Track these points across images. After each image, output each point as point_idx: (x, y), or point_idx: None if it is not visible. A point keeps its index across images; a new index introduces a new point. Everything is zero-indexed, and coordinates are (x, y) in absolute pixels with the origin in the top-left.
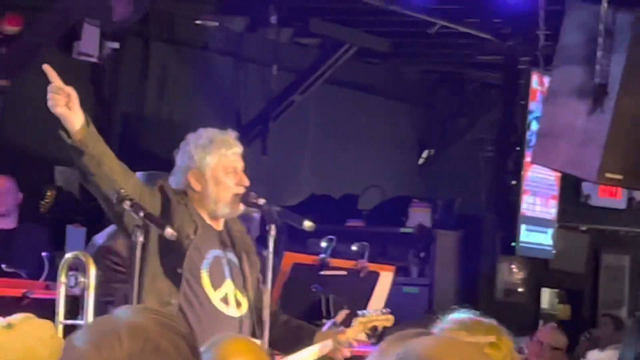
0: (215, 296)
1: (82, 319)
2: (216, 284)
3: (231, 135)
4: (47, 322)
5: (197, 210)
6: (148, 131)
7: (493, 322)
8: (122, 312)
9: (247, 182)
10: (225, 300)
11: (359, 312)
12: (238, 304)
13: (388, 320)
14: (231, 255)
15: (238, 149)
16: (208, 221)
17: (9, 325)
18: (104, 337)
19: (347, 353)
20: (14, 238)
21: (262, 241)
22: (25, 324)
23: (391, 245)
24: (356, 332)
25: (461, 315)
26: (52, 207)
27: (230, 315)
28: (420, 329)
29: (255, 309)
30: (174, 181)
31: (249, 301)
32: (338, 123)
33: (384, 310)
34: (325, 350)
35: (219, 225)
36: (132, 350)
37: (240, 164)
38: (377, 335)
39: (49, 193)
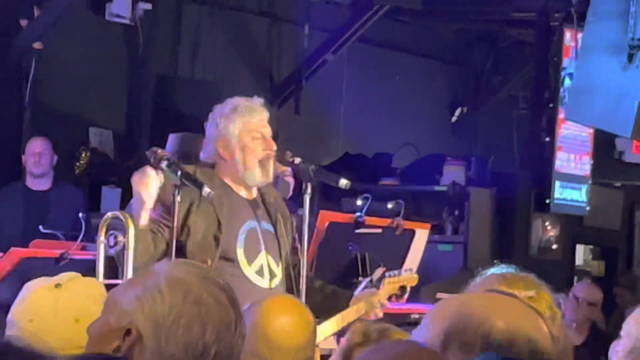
0: (249, 270)
1: (122, 278)
2: (251, 257)
3: (257, 101)
4: (93, 280)
5: (226, 182)
6: (181, 92)
7: (532, 276)
8: (161, 267)
9: (274, 147)
10: (260, 272)
11: (386, 274)
12: (272, 275)
13: (414, 279)
14: (266, 224)
15: (264, 114)
16: (240, 192)
17: (58, 285)
18: (146, 291)
19: (380, 314)
20: (49, 199)
21: (294, 203)
22: (73, 283)
23: (425, 204)
24: (386, 292)
25: (500, 270)
26: (87, 169)
27: (264, 287)
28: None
29: (287, 275)
30: (204, 153)
31: (282, 270)
32: (371, 82)
33: (410, 270)
34: (360, 313)
35: (252, 194)
36: (173, 303)
37: (267, 130)
38: (405, 294)
39: (83, 154)
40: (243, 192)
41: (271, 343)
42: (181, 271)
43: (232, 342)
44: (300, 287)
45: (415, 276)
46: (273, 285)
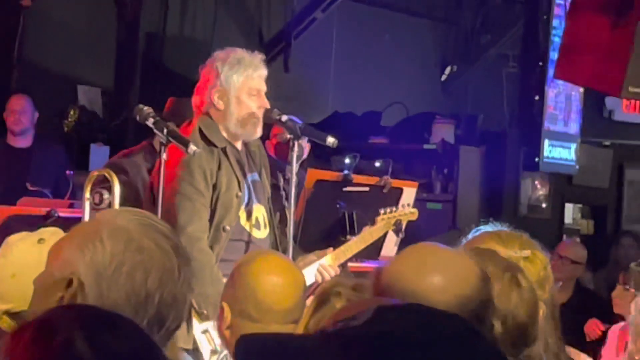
0: (248, 224)
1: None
2: (248, 212)
3: (258, 57)
4: None
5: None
6: (170, 50)
7: (526, 236)
8: (103, 215)
9: (267, 105)
10: (257, 224)
11: (381, 210)
12: (265, 225)
13: (413, 214)
14: (253, 175)
15: (264, 71)
16: (236, 144)
17: (41, 240)
18: (87, 240)
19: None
20: (31, 156)
21: (285, 161)
22: (56, 238)
23: (414, 162)
24: (380, 230)
25: (494, 228)
26: (75, 126)
27: (260, 237)
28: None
29: (271, 225)
30: (199, 98)
31: (270, 219)
32: (360, 40)
33: (408, 205)
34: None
35: (239, 145)
36: (114, 251)
37: (263, 87)
38: (402, 231)
39: (72, 112)
40: (233, 143)
41: (261, 305)
42: (123, 219)
43: (176, 289)
44: (287, 246)
45: (415, 210)
46: (265, 235)
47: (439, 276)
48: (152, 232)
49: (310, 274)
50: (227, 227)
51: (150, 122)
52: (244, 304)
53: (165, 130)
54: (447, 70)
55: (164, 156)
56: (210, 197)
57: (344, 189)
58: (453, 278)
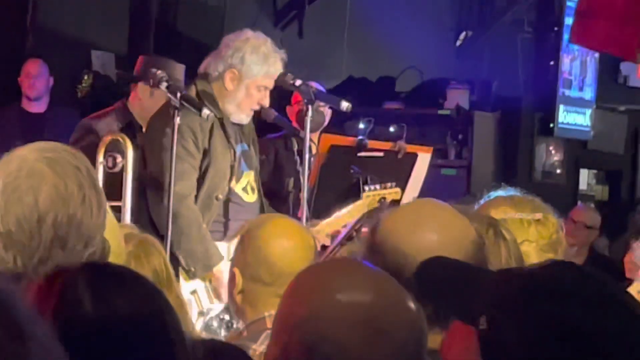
0: (238, 187)
1: (122, 199)
2: (238, 176)
3: (281, 57)
4: None
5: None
6: (184, 15)
7: (538, 200)
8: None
9: (267, 104)
10: (245, 189)
11: (365, 187)
12: (253, 190)
13: (397, 193)
14: (243, 145)
15: (280, 70)
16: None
17: None
18: None
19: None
20: (45, 121)
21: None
22: None
23: (429, 127)
24: (364, 206)
25: (507, 192)
26: (89, 92)
27: (249, 201)
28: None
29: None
30: (212, 65)
31: (258, 186)
32: (375, 5)
33: (392, 184)
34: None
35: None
36: (7, 179)
37: (272, 85)
38: (386, 208)
39: (85, 77)
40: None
41: (273, 268)
42: (23, 149)
43: (74, 209)
44: (302, 213)
45: (398, 190)
46: (254, 200)
47: (433, 236)
48: (46, 153)
49: None
50: (220, 197)
51: (163, 86)
52: (255, 268)
53: (178, 94)
54: (462, 35)
55: (177, 120)
56: (200, 161)
57: (358, 154)
58: (447, 241)
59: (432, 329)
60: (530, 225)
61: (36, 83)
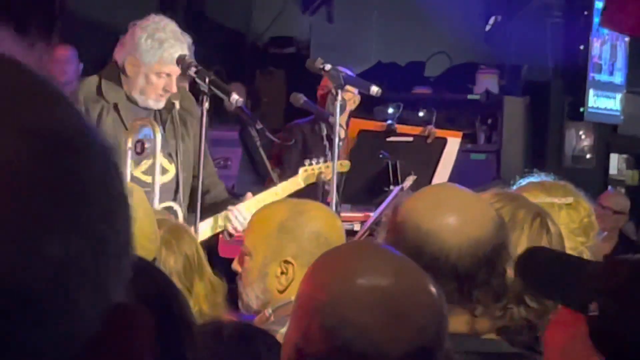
0: (137, 171)
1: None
2: (136, 162)
3: (185, 40)
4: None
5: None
6: (212, 1)
7: (570, 185)
8: None
9: (174, 90)
10: (146, 172)
11: (306, 161)
12: (164, 171)
13: (328, 167)
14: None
15: (177, 55)
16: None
17: None
18: None
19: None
20: None
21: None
22: None
23: (458, 112)
24: (301, 181)
25: (539, 177)
26: None
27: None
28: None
29: (185, 175)
30: (117, 52)
31: (176, 167)
32: None
33: (324, 159)
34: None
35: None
36: None
37: (174, 71)
38: (326, 184)
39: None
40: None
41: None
42: None
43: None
44: (331, 199)
45: (329, 164)
46: (166, 180)
47: (454, 217)
48: None
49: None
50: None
51: (192, 72)
52: (317, 254)
53: (207, 80)
54: (491, 20)
55: (206, 105)
56: None
57: (388, 139)
58: (468, 220)
59: (454, 310)
60: (562, 209)
61: (65, 68)
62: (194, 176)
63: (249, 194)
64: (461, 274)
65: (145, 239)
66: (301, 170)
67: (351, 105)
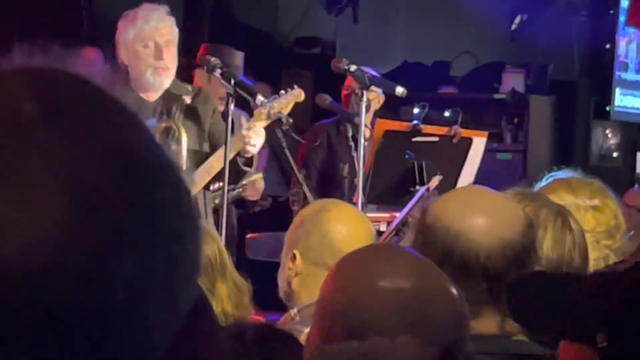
0: None
1: None
2: None
3: (156, 9)
4: None
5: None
6: (238, 2)
7: (598, 182)
8: None
9: (163, 56)
10: None
11: (258, 101)
12: None
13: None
14: (169, 123)
15: (160, 22)
16: (142, 94)
17: None
18: None
19: (252, 139)
20: None
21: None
22: None
23: (484, 112)
24: (255, 123)
25: (566, 174)
26: None
27: None
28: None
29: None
30: (118, 56)
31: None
32: None
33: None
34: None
35: (153, 97)
36: None
37: (161, 38)
38: (288, 124)
39: None
40: (144, 95)
41: (339, 254)
42: None
43: None
44: (357, 199)
45: (301, 92)
46: None
47: (483, 218)
48: None
49: None
50: None
51: (217, 73)
52: (319, 253)
53: (232, 81)
54: (517, 19)
55: (232, 107)
56: None
57: (413, 139)
58: (497, 221)
59: (484, 311)
60: (587, 212)
61: (90, 70)
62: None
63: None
64: (491, 274)
65: None
66: (255, 112)
67: (375, 105)
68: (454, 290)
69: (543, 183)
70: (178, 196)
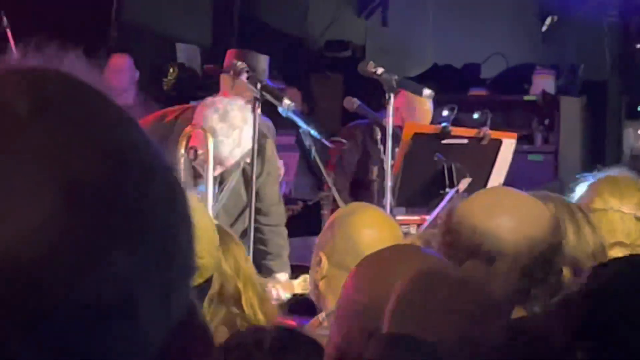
0: None
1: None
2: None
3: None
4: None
5: None
6: (268, 6)
7: None
8: None
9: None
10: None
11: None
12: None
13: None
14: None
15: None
16: None
17: None
18: None
19: None
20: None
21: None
22: None
23: (515, 113)
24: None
25: (617, 173)
26: (174, 84)
27: None
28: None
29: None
30: None
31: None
32: None
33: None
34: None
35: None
36: None
37: None
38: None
39: (171, 70)
40: None
41: (361, 257)
42: None
43: None
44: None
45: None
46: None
47: (509, 217)
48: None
49: None
50: None
51: (244, 77)
52: (342, 255)
53: (258, 85)
54: (548, 20)
55: (258, 111)
56: None
57: (443, 142)
58: (524, 219)
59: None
60: (631, 221)
61: (122, 77)
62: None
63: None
64: (519, 272)
65: (206, 253)
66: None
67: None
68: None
69: (590, 182)
70: (172, 195)
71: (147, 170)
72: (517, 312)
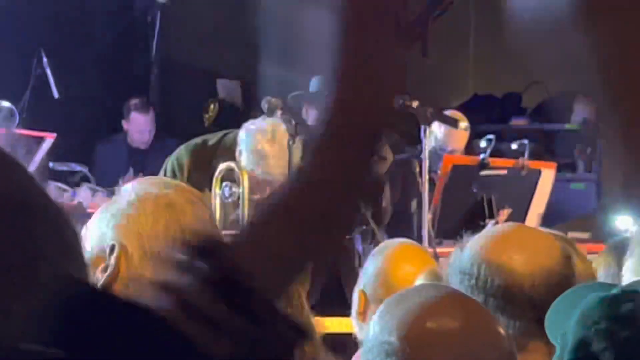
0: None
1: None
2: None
3: None
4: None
5: None
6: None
7: None
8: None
9: None
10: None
11: None
12: None
13: None
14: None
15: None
16: None
17: None
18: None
19: None
20: (149, 153)
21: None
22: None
23: (556, 142)
24: None
25: None
26: (215, 120)
27: None
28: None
29: None
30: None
31: None
32: (498, 20)
33: None
34: None
35: None
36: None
37: None
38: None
39: (212, 106)
40: None
41: (394, 291)
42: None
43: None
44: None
45: None
46: None
47: (522, 249)
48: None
49: None
50: None
51: (278, 114)
52: (376, 290)
53: (293, 122)
54: None
55: (293, 149)
56: None
57: (481, 173)
58: (537, 251)
59: (531, 342)
60: None
61: (142, 137)
62: None
63: None
64: (537, 303)
65: None
66: None
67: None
68: (501, 329)
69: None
70: (60, 233)
71: (32, 212)
72: (536, 347)
